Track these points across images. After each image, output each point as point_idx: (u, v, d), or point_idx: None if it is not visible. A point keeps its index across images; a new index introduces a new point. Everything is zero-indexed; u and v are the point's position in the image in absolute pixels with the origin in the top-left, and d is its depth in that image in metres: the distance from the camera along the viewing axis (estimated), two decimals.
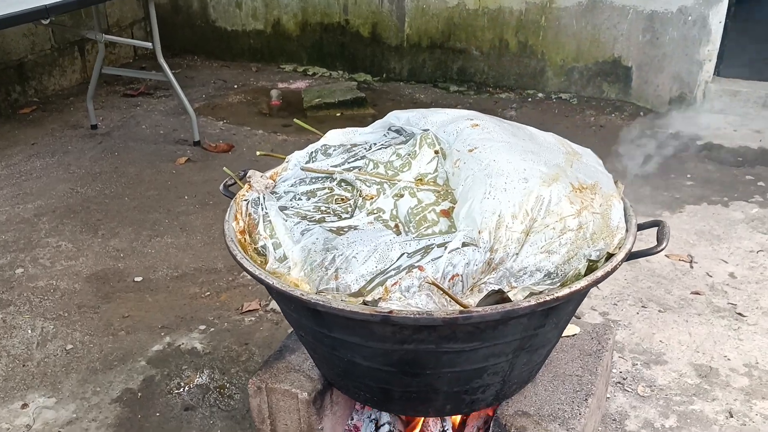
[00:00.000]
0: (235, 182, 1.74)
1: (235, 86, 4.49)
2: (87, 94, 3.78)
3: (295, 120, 1.98)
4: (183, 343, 2.24)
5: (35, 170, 3.38)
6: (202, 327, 2.31)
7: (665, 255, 2.65)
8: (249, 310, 2.38)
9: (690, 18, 3.80)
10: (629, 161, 3.42)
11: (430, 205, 1.50)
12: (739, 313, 2.34)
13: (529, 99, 4.20)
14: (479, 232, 1.34)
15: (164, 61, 3.45)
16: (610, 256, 1.38)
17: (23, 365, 2.15)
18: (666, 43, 3.90)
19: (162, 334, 2.29)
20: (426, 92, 4.35)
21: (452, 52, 4.34)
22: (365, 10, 4.42)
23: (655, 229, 1.56)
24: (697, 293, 2.45)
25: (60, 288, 2.52)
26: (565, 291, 1.28)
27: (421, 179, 1.58)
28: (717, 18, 3.76)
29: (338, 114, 4.02)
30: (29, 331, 2.30)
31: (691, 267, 2.60)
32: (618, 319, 2.31)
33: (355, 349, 1.40)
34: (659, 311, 2.35)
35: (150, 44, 3.45)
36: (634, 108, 4.05)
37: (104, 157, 3.51)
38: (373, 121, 3.95)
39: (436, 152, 1.63)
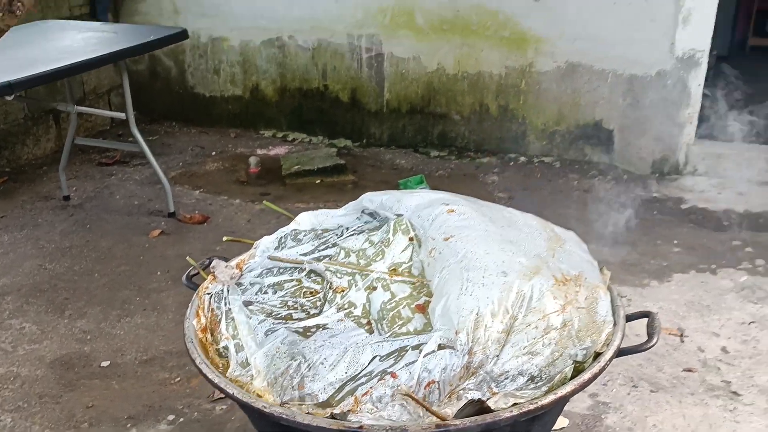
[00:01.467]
0: (198, 272, 1.64)
1: (213, 153, 4.42)
2: (59, 165, 3.69)
3: (264, 202, 1.90)
4: None
5: (2, 246, 3.26)
6: (171, 417, 2.18)
7: None
8: (220, 398, 2.24)
9: (669, 81, 3.79)
10: (614, 227, 3.35)
11: (405, 299, 1.40)
12: (734, 392, 2.24)
13: (511, 163, 4.16)
14: (456, 333, 1.24)
15: (138, 132, 3.37)
16: (597, 354, 1.29)
17: None
18: (647, 106, 3.88)
19: (128, 426, 2.15)
20: (407, 157, 4.30)
21: (432, 117, 4.31)
22: (344, 75, 4.40)
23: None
24: (690, 370, 2.35)
25: (21, 375, 2.38)
26: (551, 398, 1.18)
27: (395, 269, 1.49)
28: (696, 81, 3.75)
29: (318, 181, 3.95)
30: None
31: (682, 341, 2.51)
32: (608, 401, 2.20)
33: None
34: (651, 391, 2.25)
35: (123, 115, 3.38)
36: (618, 171, 4.01)
37: (75, 231, 3.40)
38: (353, 188, 3.89)
39: (411, 239, 1.55)
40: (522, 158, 4.20)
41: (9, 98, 2.49)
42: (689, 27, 3.66)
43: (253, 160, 4.20)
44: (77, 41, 3.03)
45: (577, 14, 3.81)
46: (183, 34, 3.29)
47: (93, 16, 4.45)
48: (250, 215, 3.56)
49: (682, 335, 2.54)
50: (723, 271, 2.98)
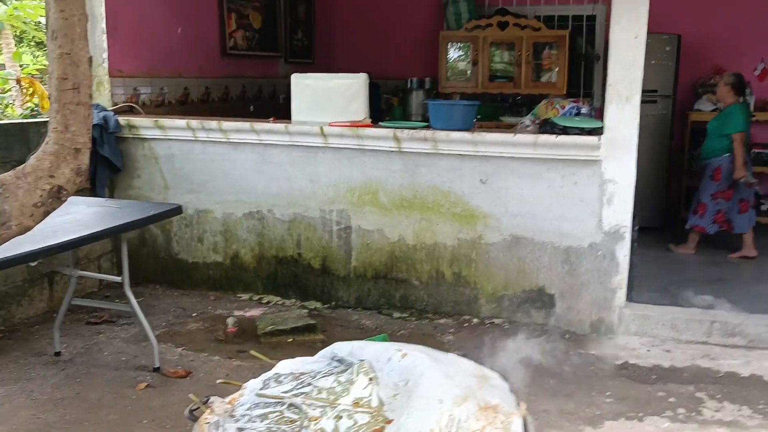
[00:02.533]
0: (199, 407, 2.02)
1: (194, 314, 4.82)
2: (54, 323, 4.05)
3: (251, 352, 2.31)
4: None
5: None
6: None
7: None
8: None
9: (600, 252, 4.36)
10: (555, 380, 3.78)
11: (365, 425, 1.80)
12: None
13: (465, 324, 4.61)
14: None
15: (131, 294, 3.79)
16: None
17: None
18: (582, 273, 4.42)
19: None
20: (371, 318, 4.73)
21: (394, 282, 4.80)
22: (316, 245, 4.92)
23: None
24: None
25: None
26: None
27: (357, 402, 1.90)
28: (622, 252, 4.33)
29: (290, 340, 4.34)
30: None
31: None
32: None
33: None
34: None
35: (119, 278, 3.81)
36: (560, 331, 4.47)
37: (66, 384, 3.72)
38: (322, 346, 4.29)
39: (371, 379, 1.96)
40: (475, 320, 4.66)
41: (32, 264, 2.93)
42: (613, 206, 4.29)
43: (230, 320, 4.59)
44: (88, 215, 3.53)
45: (518, 195, 4.44)
46: (178, 210, 3.81)
47: (92, 190, 4.98)
48: (228, 370, 3.91)
49: None
50: (648, 419, 3.38)
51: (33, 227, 2.25)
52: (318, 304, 4.96)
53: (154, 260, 5.35)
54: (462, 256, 4.64)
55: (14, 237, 2.24)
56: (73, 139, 2.29)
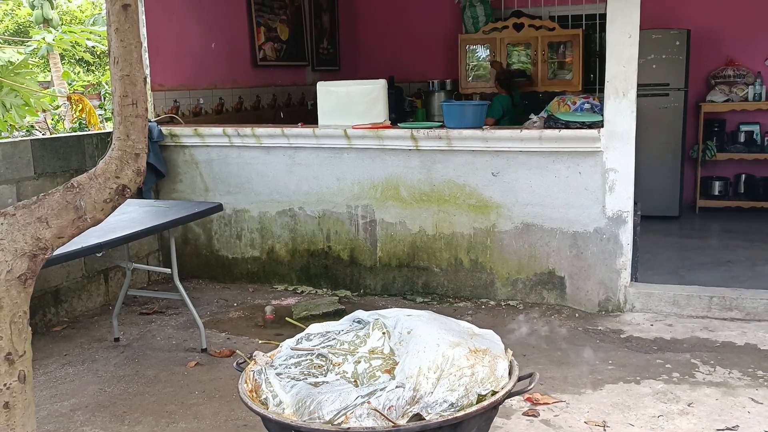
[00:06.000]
0: (245, 360, 2.46)
1: (235, 304, 5.29)
2: (112, 313, 4.55)
3: (287, 318, 2.74)
4: None
5: (68, 375, 4.06)
6: None
7: (584, 422, 3.31)
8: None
9: (605, 236, 4.72)
10: (562, 352, 4.16)
11: (378, 367, 2.23)
12: None
13: (483, 306, 5.01)
14: (407, 379, 2.05)
15: (179, 283, 4.27)
16: (494, 392, 2.09)
17: None
18: (589, 256, 4.79)
19: None
20: (396, 304, 5.14)
21: (417, 270, 5.22)
22: (344, 238, 5.36)
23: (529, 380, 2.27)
24: None
25: None
26: (460, 414, 1.97)
27: (372, 350, 2.32)
28: (625, 235, 4.68)
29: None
30: None
31: (604, 430, 3.25)
32: None
33: None
34: None
35: (168, 270, 4.29)
36: (571, 310, 4.84)
37: (126, 364, 4.20)
38: None
39: (384, 333, 2.39)
40: (491, 302, 5.05)
41: (98, 255, 3.40)
42: (614, 193, 4.65)
43: (268, 308, 5.05)
44: (141, 213, 4.02)
45: (527, 185, 4.83)
46: (219, 207, 4.28)
47: (140, 193, 5.49)
48: (266, 350, 4.36)
49: (604, 426, 3.28)
50: (645, 382, 3.74)
51: (103, 220, 2.69)
52: (348, 293, 5.40)
53: (197, 257, 5.85)
54: (478, 244, 5.04)
55: (89, 228, 2.70)
56: (134, 145, 2.73)
